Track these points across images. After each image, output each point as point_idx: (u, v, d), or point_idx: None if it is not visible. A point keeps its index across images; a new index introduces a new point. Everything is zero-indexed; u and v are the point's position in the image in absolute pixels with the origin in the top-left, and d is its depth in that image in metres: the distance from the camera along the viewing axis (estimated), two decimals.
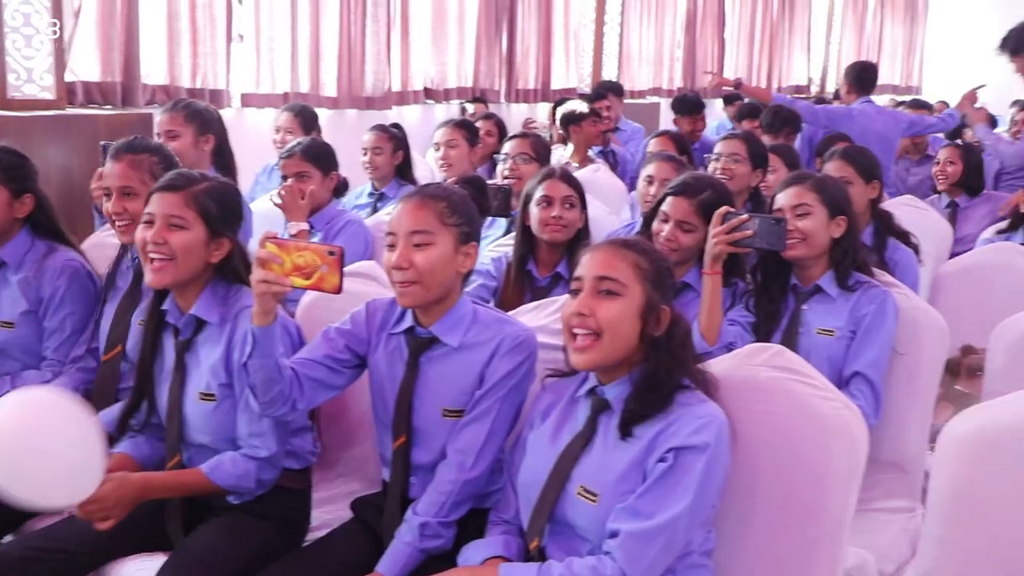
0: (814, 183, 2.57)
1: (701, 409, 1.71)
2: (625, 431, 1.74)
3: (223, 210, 2.11)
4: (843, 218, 2.53)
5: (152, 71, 5.00)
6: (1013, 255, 3.32)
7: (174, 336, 2.14)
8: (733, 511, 1.80)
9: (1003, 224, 3.89)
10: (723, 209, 2.42)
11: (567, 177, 2.90)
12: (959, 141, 5.35)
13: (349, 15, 5.85)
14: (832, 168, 3.31)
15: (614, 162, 5.71)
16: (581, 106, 5.15)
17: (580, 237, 2.84)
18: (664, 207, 2.62)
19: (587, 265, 1.80)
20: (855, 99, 5.46)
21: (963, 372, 3.15)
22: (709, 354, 2.35)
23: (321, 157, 3.45)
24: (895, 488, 2.51)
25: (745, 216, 2.39)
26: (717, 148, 3.50)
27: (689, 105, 6.19)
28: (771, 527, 1.81)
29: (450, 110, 6.73)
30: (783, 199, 2.54)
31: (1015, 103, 6.41)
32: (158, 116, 3.39)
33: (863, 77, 5.56)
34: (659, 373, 1.75)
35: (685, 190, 2.62)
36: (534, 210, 2.87)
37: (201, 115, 3.34)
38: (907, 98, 11.02)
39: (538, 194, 2.86)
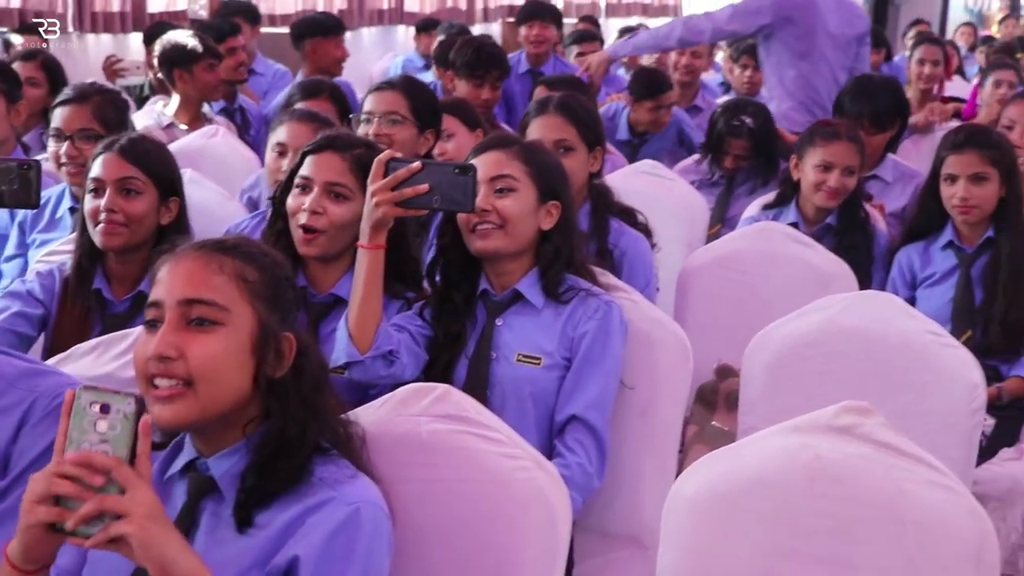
0: (521, 150, 2.67)
1: (348, 491, 1.75)
2: (243, 519, 1.75)
3: None
4: (556, 204, 2.65)
5: None
6: (780, 240, 3.58)
7: None
8: None
9: (770, 196, 4.19)
10: (386, 155, 2.44)
11: (127, 150, 2.87)
12: None
13: None
14: (543, 127, 3.43)
15: (244, 123, 5.68)
16: (191, 40, 5.06)
17: (162, 238, 2.81)
18: (304, 170, 2.66)
19: (167, 284, 1.78)
20: None
21: (721, 402, 3.38)
22: (361, 364, 2.43)
23: None
24: (633, 569, 2.65)
25: (417, 165, 2.42)
26: (367, 104, 3.54)
27: (320, 26, 6.24)
28: None
29: None
30: (480, 167, 2.60)
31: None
32: None
33: None
34: (288, 431, 1.77)
35: (331, 143, 2.67)
36: (87, 200, 2.85)
37: None
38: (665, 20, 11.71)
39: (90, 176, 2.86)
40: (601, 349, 2.59)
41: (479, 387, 2.56)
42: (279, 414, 1.78)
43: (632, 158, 5.64)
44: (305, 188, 2.65)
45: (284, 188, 2.73)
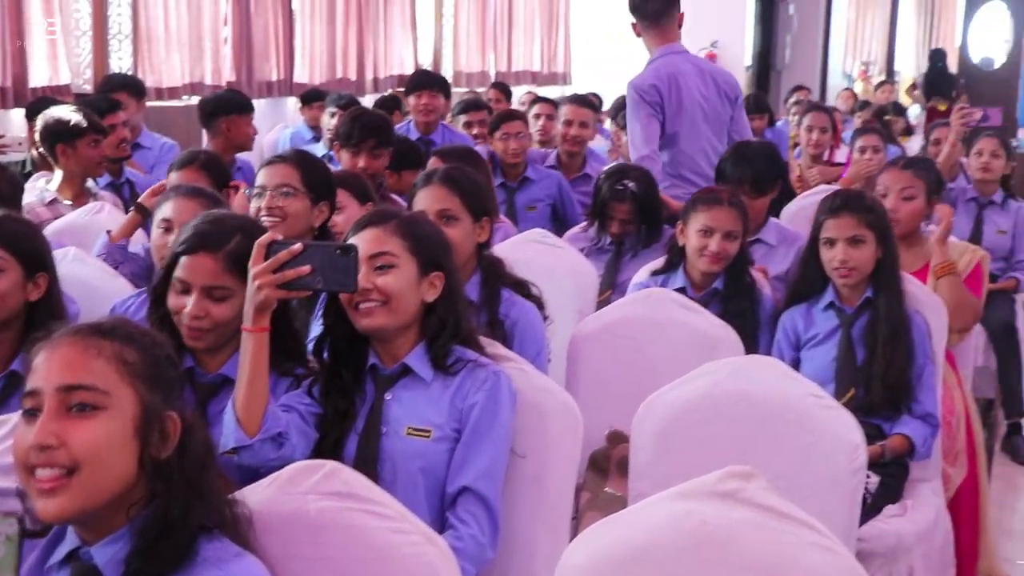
0: (399, 225, 2.69)
1: (234, 570, 1.75)
2: None
3: None
4: (439, 275, 2.68)
5: None
6: (667, 306, 3.62)
7: None
8: None
9: (659, 263, 4.24)
10: (266, 237, 2.46)
11: None
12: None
13: None
14: (427, 197, 3.47)
15: (132, 196, 5.63)
16: (74, 116, 5.02)
17: (33, 314, 2.81)
18: (179, 272, 2.64)
19: (44, 371, 1.78)
20: None
21: (613, 468, 3.40)
22: (249, 448, 2.42)
23: None
24: None
25: (298, 247, 2.44)
26: (259, 178, 3.54)
27: (236, 104, 6.25)
28: None
29: None
30: (360, 245, 2.62)
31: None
32: None
33: None
34: (172, 512, 1.76)
35: (203, 243, 2.64)
36: None
37: None
38: (550, 91, 11.87)
39: None
40: (490, 419, 2.61)
41: (369, 462, 2.57)
42: (164, 495, 1.77)
43: (510, 202, 5.78)
44: (184, 291, 2.63)
45: (162, 279, 2.69)
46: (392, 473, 2.58)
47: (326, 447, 2.60)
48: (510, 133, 5.92)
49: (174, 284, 2.65)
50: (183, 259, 2.64)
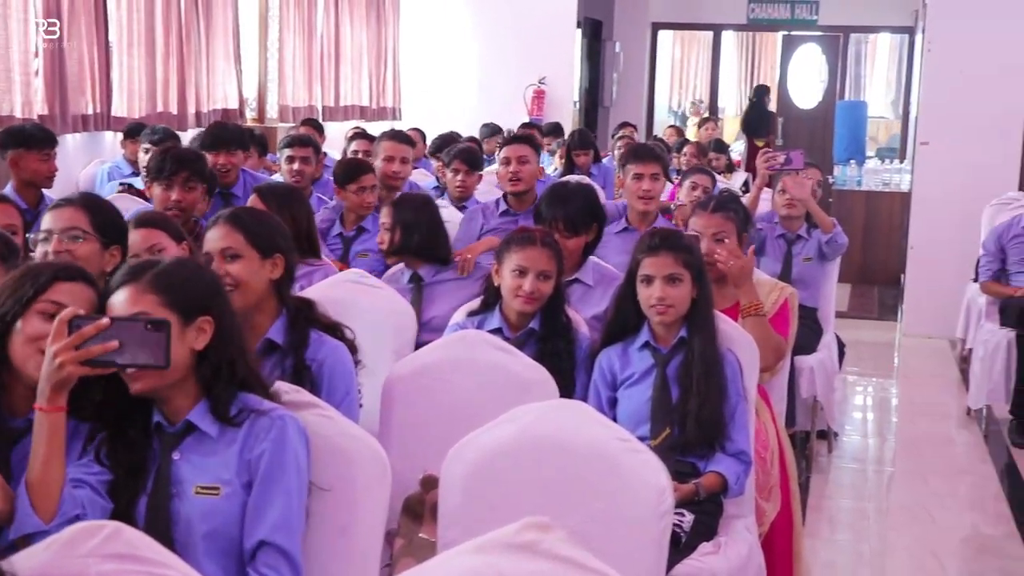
0: (151, 280, 2.57)
1: None
2: None
3: None
4: (206, 320, 2.59)
5: None
6: (480, 347, 3.61)
7: None
8: None
9: (475, 304, 4.22)
10: (68, 312, 2.39)
11: None
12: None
13: None
14: (211, 238, 3.38)
15: None
16: None
17: None
18: (57, 296, 2.61)
19: None
20: None
21: (427, 513, 3.35)
22: (45, 534, 2.29)
23: None
24: None
25: (105, 321, 2.37)
26: (45, 222, 3.44)
27: (23, 137, 6.07)
28: None
29: None
30: (116, 305, 2.55)
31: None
32: None
33: None
34: None
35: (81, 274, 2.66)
36: None
37: None
38: (380, 126, 11.82)
39: None
40: (279, 468, 2.55)
41: (160, 525, 2.50)
42: None
43: (345, 252, 5.71)
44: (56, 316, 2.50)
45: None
46: (186, 534, 2.51)
47: (119, 512, 2.51)
48: (365, 186, 5.83)
49: (40, 311, 2.57)
50: (60, 286, 2.61)
